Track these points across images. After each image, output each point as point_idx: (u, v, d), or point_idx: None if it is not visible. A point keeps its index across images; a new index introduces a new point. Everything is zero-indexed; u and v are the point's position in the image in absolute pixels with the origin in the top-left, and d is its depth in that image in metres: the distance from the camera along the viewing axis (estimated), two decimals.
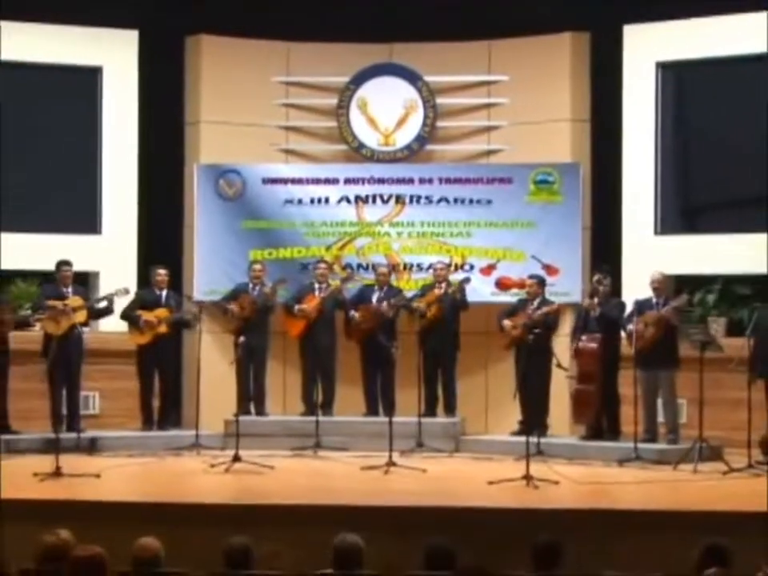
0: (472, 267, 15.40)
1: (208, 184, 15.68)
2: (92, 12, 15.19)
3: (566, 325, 14.64)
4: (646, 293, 13.91)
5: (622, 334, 13.93)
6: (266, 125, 15.88)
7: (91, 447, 13.87)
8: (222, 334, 15.09)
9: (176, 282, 15.20)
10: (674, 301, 13.76)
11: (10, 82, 15.39)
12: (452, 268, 15.20)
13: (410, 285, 15.32)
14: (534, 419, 13.85)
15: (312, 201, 15.72)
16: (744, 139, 14.83)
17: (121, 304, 14.60)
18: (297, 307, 14.96)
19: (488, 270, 15.43)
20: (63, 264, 14.54)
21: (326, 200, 15.72)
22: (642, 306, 13.75)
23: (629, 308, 13.96)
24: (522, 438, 12.74)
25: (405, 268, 15.55)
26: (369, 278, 15.32)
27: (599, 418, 14.11)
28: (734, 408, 12.96)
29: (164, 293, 14.81)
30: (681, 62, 15.27)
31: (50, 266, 14.63)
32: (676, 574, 7.80)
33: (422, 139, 15.85)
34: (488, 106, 15.87)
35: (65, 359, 14.06)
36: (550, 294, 14.63)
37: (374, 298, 14.97)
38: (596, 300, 14.13)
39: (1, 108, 15.33)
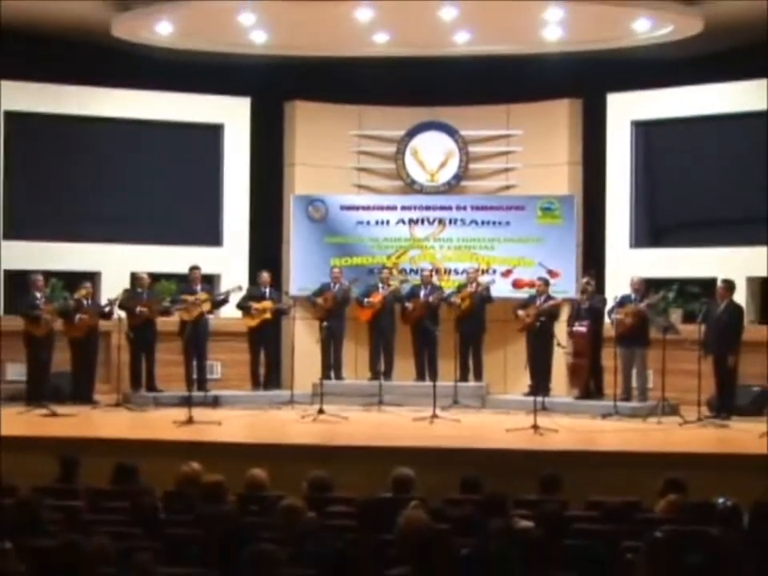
0: (495, 271, 15.31)
1: (300, 210, 15.67)
2: (218, 84, 15.28)
3: (564, 314, 14.56)
4: (624, 291, 13.85)
5: (606, 320, 13.88)
6: (344, 166, 15.86)
7: (215, 402, 13.92)
8: (310, 319, 15.07)
9: (277, 282, 15.20)
10: (648, 299, 13.69)
11: (161, 135, 15.53)
12: (480, 272, 15.14)
13: (448, 284, 15.27)
14: (540, 384, 13.83)
15: (377, 222, 15.68)
16: (695, 177, 14.76)
17: (235, 297, 14.61)
18: (366, 300, 14.95)
19: (507, 273, 15.35)
20: (194, 268, 14.58)
21: (387, 222, 15.68)
22: (623, 300, 13.68)
23: (610, 302, 13.91)
24: (531, 398, 12.77)
25: (445, 272, 15.50)
26: (418, 279, 15.29)
27: (588, 383, 14.03)
28: (688, 376, 12.82)
29: (267, 290, 14.81)
30: (650, 120, 15.16)
31: (184, 269, 14.68)
32: (645, 498, 7.76)
33: (458, 177, 15.79)
34: (506, 153, 15.79)
35: (195, 338, 14.13)
36: (552, 292, 14.54)
37: (422, 294, 14.95)
38: (585, 296, 14.09)
39: (153, 154, 15.49)
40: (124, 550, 5.57)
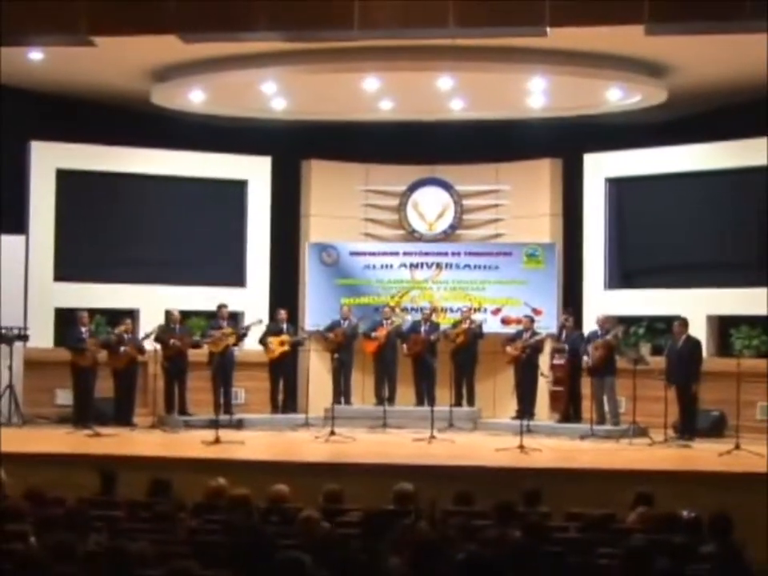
0: (486, 310, 15.35)
1: (315, 255, 15.73)
2: (243, 145, 15.34)
3: (547, 348, 14.56)
4: (595, 327, 13.93)
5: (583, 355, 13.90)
6: (352, 217, 15.93)
7: (239, 425, 13.87)
8: (323, 352, 15.06)
9: (293, 318, 15.24)
10: (614, 330, 13.71)
11: (193, 190, 15.58)
12: (473, 311, 15.15)
13: (445, 321, 15.28)
14: (526, 409, 13.81)
15: (382, 266, 15.73)
16: (661, 227, 14.80)
17: (256, 329, 14.57)
18: (373, 334, 14.98)
19: (496, 311, 15.38)
20: (221, 306, 14.61)
21: (391, 266, 15.73)
22: (591, 336, 13.73)
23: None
24: (518, 421, 12.78)
25: (442, 310, 15.52)
26: (419, 316, 15.31)
27: (568, 408, 14.04)
28: (656, 402, 12.85)
29: (284, 325, 14.84)
30: (621, 177, 15.20)
31: (212, 307, 14.72)
32: (617, 510, 7.77)
33: (453, 227, 15.85)
34: (496, 205, 15.85)
35: (222, 367, 14.15)
36: (537, 328, 14.56)
37: (422, 330, 14.97)
38: (564, 332, 14.12)
39: (186, 206, 15.56)
40: (161, 554, 5.59)
